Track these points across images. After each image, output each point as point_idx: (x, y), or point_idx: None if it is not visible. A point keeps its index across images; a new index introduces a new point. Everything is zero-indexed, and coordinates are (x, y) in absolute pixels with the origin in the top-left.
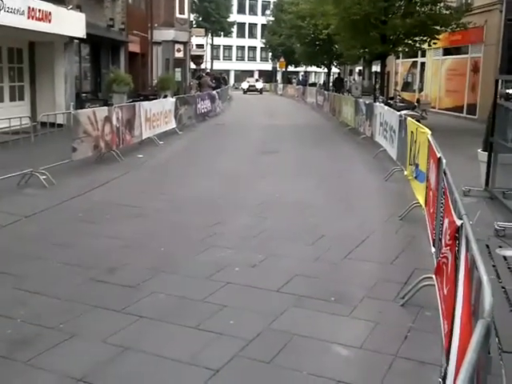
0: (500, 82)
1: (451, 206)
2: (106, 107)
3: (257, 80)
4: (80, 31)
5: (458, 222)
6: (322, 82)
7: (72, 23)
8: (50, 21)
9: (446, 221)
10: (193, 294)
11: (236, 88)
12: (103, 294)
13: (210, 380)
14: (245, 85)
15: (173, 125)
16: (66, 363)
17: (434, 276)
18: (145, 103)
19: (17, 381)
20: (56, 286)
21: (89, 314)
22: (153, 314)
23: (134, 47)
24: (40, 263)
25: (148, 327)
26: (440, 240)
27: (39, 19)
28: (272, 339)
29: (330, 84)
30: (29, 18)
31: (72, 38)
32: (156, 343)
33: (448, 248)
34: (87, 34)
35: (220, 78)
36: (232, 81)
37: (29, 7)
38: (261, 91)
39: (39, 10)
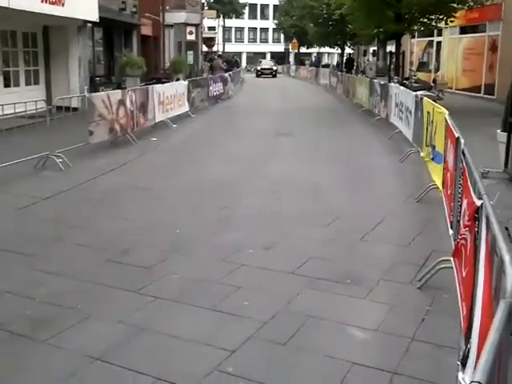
0: None
1: (470, 187)
2: (119, 90)
3: (271, 63)
4: (93, 15)
5: (478, 202)
6: (335, 63)
7: (85, 7)
8: (63, 4)
9: (465, 202)
10: (208, 275)
11: (248, 70)
12: (119, 275)
13: (225, 361)
14: (259, 67)
15: (186, 108)
16: (84, 343)
17: (451, 258)
18: (157, 86)
19: (36, 359)
20: (73, 267)
21: (105, 294)
22: (168, 295)
23: (146, 30)
24: (57, 244)
25: (164, 308)
26: (458, 222)
27: (53, 3)
28: (287, 321)
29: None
30: (42, 1)
31: (85, 22)
32: (171, 324)
33: (467, 229)
34: (100, 18)
35: (232, 61)
36: (244, 63)
37: None
38: (275, 74)
39: None
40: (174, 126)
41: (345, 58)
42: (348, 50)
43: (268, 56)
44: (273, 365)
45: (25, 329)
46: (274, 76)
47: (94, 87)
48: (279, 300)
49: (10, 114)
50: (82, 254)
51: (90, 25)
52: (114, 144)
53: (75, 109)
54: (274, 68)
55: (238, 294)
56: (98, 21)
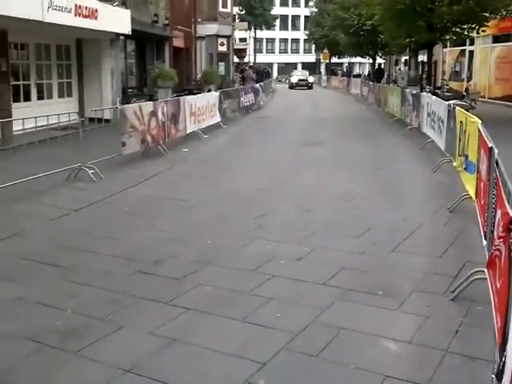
0: None
1: (504, 197)
2: (151, 102)
3: (306, 73)
4: (125, 27)
5: None
6: (366, 73)
7: (117, 20)
8: (96, 18)
9: (499, 212)
10: (239, 286)
11: (279, 81)
12: (150, 286)
13: (257, 373)
14: (294, 79)
15: (218, 118)
16: (115, 354)
17: (486, 269)
18: (189, 97)
19: (67, 371)
20: (104, 278)
21: (136, 305)
22: (200, 306)
23: (178, 42)
24: (88, 256)
25: (195, 319)
26: (492, 232)
27: (86, 16)
28: (319, 333)
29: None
30: (76, 15)
31: (118, 35)
32: (203, 335)
33: (501, 240)
34: (132, 30)
35: (263, 71)
36: (275, 74)
37: (76, 5)
38: (311, 86)
39: (86, 8)
40: (205, 136)
41: (375, 68)
42: (379, 60)
43: (299, 66)
44: (304, 377)
45: (55, 340)
46: (310, 88)
47: (126, 99)
48: (311, 311)
49: (43, 126)
50: (113, 265)
51: (122, 37)
52: (145, 155)
53: (107, 120)
54: (310, 80)
55: (270, 306)
56: (130, 33)
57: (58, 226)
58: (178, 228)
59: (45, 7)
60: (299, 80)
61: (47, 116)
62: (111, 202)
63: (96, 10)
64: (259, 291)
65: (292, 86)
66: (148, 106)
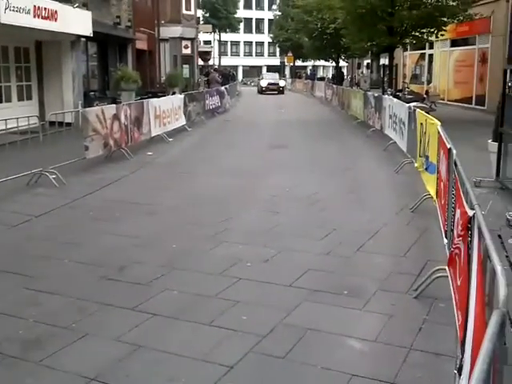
0: (508, 72)
1: (463, 197)
2: (114, 105)
3: (276, 76)
4: (87, 29)
5: (470, 213)
6: (330, 76)
7: (78, 21)
8: (56, 19)
9: (458, 211)
10: (205, 290)
11: (245, 84)
12: (115, 292)
13: (224, 377)
14: (263, 82)
15: (183, 121)
16: (79, 362)
17: (446, 267)
18: (153, 100)
19: (29, 381)
20: (68, 285)
21: (101, 312)
22: (166, 312)
23: (142, 44)
24: (51, 262)
25: (161, 325)
26: (452, 231)
27: (45, 18)
28: (286, 334)
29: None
30: (35, 16)
31: (79, 37)
32: (169, 341)
33: (460, 239)
34: (94, 32)
35: (228, 74)
36: (240, 76)
37: (35, 6)
38: (282, 90)
39: (45, 9)
40: (170, 139)
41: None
42: (342, 63)
43: (264, 69)
44: (272, 379)
45: (16, 350)
46: (281, 93)
47: (88, 102)
48: (278, 313)
49: (2, 130)
50: (76, 271)
51: (83, 39)
52: (108, 159)
53: (69, 124)
54: (281, 84)
55: (237, 309)
56: (91, 35)
57: (19, 232)
58: (143, 233)
59: (1, 8)
60: (269, 84)
61: (5, 120)
62: (74, 208)
63: (56, 12)
64: (226, 294)
65: (261, 91)
66: (111, 110)
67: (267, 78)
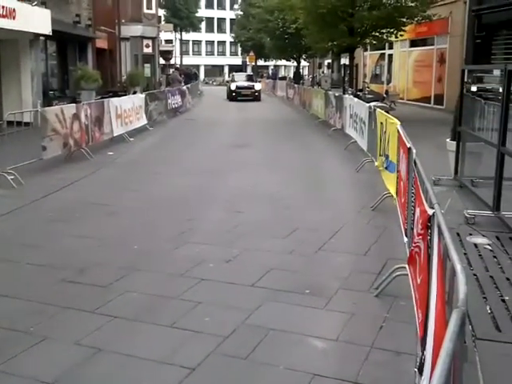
0: (466, 72)
1: (422, 196)
2: (73, 104)
3: (248, 78)
4: (45, 28)
5: (430, 212)
6: (291, 75)
7: (37, 20)
8: (14, 17)
9: (418, 210)
10: (167, 291)
11: (206, 83)
12: (75, 295)
13: (186, 379)
14: (234, 85)
15: (144, 121)
16: (38, 367)
17: (407, 266)
18: (113, 99)
19: None
20: (26, 289)
21: (60, 315)
22: (126, 314)
23: (102, 43)
24: (9, 265)
25: (122, 327)
26: (412, 229)
27: (3, 16)
28: (248, 335)
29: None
30: None
31: (37, 35)
32: (130, 343)
33: (420, 237)
34: (53, 31)
35: (190, 73)
36: (202, 75)
37: None
38: (258, 96)
39: (2, 7)
40: (132, 139)
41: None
42: (304, 63)
43: (226, 68)
44: (234, 380)
45: None
46: (257, 99)
47: (47, 101)
48: (240, 314)
49: None
50: (35, 274)
51: (42, 38)
52: (68, 159)
53: (27, 123)
54: (257, 87)
55: (199, 310)
56: (51, 34)
57: None
58: (103, 234)
59: None
60: (242, 88)
61: None
62: (33, 209)
63: (14, 10)
64: (188, 295)
65: (232, 97)
66: (70, 109)
67: (239, 80)
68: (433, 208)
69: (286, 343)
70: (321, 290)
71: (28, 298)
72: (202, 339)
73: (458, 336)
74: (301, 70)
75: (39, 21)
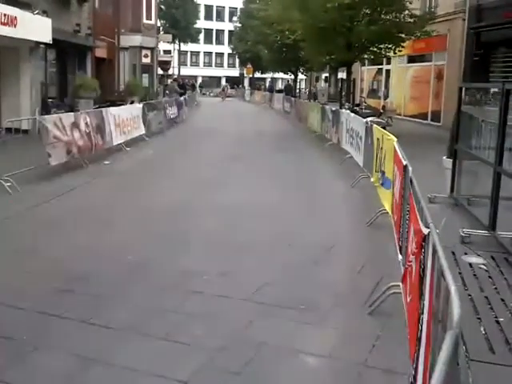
0: (464, 90)
1: (418, 214)
2: (72, 113)
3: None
4: (46, 36)
5: (425, 231)
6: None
7: (38, 28)
8: (15, 25)
9: (413, 229)
10: (160, 303)
11: (204, 94)
12: (68, 305)
13: None
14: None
15: (142, 131)
16: (29, 377)
17: (400, 284)
18: (112, 109)
19: None
20: (19, 297)
21: (54, 325)
22: (119, 325)
23: (101, 52)
24: (3, 272)
25: (115, 338)
26: (407, 247)
27: (4, 24)
28: (241, 349)
29: (297, 91)
30: None
31: (38, 43)
32: (123, 355)
33: (414, 256)
34: (53, 39)
35: (187, 84)
36: (199, 87)
37: None
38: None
39: (4, 15)
40: (128, 149)
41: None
42: (301, 76)
43: (223, 80)
44: None
45: None
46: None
47: (45, 109)
48: (233, 328)
49: None
50: (29, 282)
51: (42, 46)
52: (65, 168)
53: (25, 131)
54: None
55: (192, 323)
56: (51, 42)
57: None
58: (97, 243)
59: None
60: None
61: None
62: (28, 216)
63: (15, 18)
64: (181, 308)
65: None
66: (69, 117)
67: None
68: (428, 227)
69: (280, 359)
70: (314, 305)
71: (20, 306)
72: (195, 352)
73: (451, 358)
74: (292, 83)
75: (40, 29)
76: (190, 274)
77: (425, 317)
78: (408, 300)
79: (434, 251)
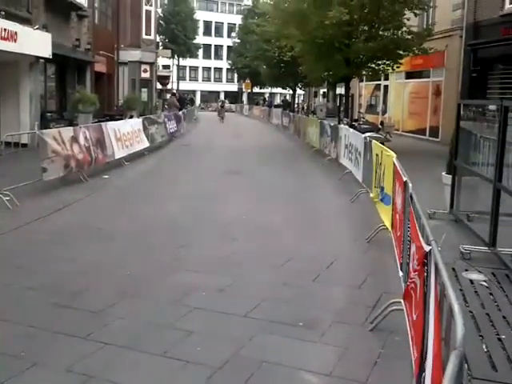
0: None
1: (419, 231)
2: (71, 127)
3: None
4: (46, 51)
5: (427, 248)
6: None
7: (38, 43)
8: (15, 40)
9: (414, 246)
10: (159, 319)
11: (202, 108)
12: (67, 320)
13: None
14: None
15: (145, 144)
16: None
17: (402, 301)
18: (111, 123)
19: None
20: (18, 312)
21: (52, 341)
22: (118, 341)
23: (100, 67)
24: (1, 288)
25: (113, 355)
26: (408, 264)
27: (4, 39)
28: (240, 367)
29: (296, 105)
30: None
31: (38, 58)
32: (122, 371)
33: (416, 273)
34: (53, 54)
35: (186, 99)
36: (198, 101)
37: None
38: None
39: (5, 30)
40: (127, 163)
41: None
42: (299, 92)
43: (222, 95)
44: None
45: None
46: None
47: (44, 123)
48: (232, 345)
49: None
50: (27, 297)
51: (42, 61)
52: (64, 182)
53: (25, 145)
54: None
55: (191, 339)
56: (51, 57)
57: None
58: (95, 259)
59: None
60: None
61: None
62: (27, 231)
63: (15, 33)
64: (180, 324)
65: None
66: (68, 132)
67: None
68: (429, 245)
69: (280, 377)
70: (314, 322)
71: (19, 322)
72: (193, 369)
73: (456, 378)
74: (289, 98)
75: (40, 44)
76: (189, 290)
77: (430, 336)
78: (414, 318)
79: (437, 269)
